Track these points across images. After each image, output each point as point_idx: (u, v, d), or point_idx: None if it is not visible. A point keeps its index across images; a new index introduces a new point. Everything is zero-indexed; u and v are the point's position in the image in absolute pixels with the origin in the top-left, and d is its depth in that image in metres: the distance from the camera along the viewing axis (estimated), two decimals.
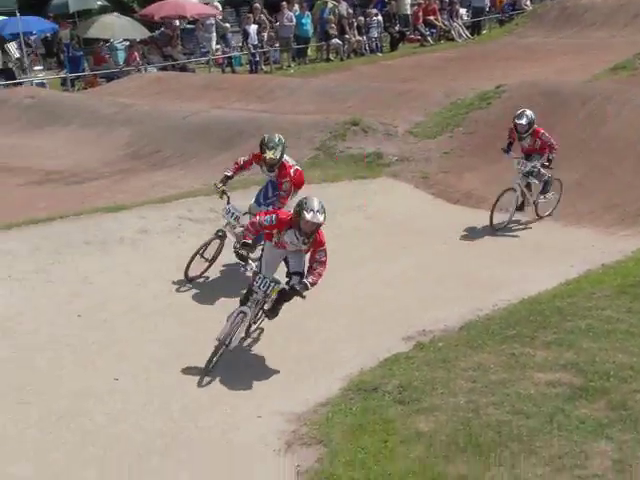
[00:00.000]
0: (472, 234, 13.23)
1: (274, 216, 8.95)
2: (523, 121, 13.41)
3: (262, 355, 9.45)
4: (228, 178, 10.87)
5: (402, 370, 8.71)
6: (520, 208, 13.64)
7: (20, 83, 28.10)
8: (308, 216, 8.56)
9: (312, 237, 8.77)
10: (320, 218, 8.64)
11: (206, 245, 10.94)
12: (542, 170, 13.38)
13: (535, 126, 13.45)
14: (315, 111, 18.95)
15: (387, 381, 8.43)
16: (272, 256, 9.27)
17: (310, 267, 8.97)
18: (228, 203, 10.80)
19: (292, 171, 10.72)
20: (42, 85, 28.71)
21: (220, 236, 10.87)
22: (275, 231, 8.98)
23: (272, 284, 8.86)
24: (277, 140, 10.51)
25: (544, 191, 13.65)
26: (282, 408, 8.23)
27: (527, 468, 6.84)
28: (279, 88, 22.62)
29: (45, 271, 10.80)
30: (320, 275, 8.85)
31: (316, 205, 8.63)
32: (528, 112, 13.48)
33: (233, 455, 7.51)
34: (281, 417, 8.05)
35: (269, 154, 10.41)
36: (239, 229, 10.61)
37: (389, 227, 13.25)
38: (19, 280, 10.51)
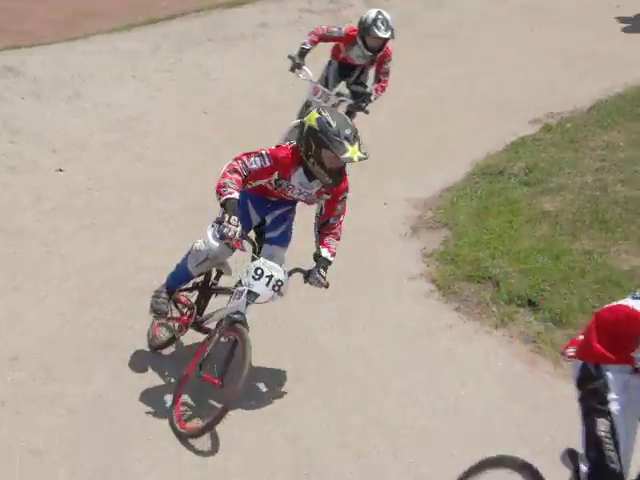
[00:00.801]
0: (603, 13, 12.58)
1: None
2: (382, 32, 7.97)
3: (388, 150, 8.97)
4: (234, 202, 5.13)
5: (528, 152, 8.62)
6: None
7: None
8: None
9: None
10: None
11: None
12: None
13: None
14: None
15: (513, 164, 8.36)
16: (631, 414, 3.72)
17: None
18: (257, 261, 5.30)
19: None
20: None
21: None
22: None
23: None
24: (351, 123, 5.35)
25: None
26: (407, 195, 8.24)
27: None
28: None
29: (168, 70, 10.83)
30: None
31: None
32: (388, 17, 8.06)
33: (360, 240, 7.60)
34: (407, 203, 8.09)
35: (357, 153, 5.10)
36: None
37: (516, 9, 12.70)
38: (143, 80, 10.56)
